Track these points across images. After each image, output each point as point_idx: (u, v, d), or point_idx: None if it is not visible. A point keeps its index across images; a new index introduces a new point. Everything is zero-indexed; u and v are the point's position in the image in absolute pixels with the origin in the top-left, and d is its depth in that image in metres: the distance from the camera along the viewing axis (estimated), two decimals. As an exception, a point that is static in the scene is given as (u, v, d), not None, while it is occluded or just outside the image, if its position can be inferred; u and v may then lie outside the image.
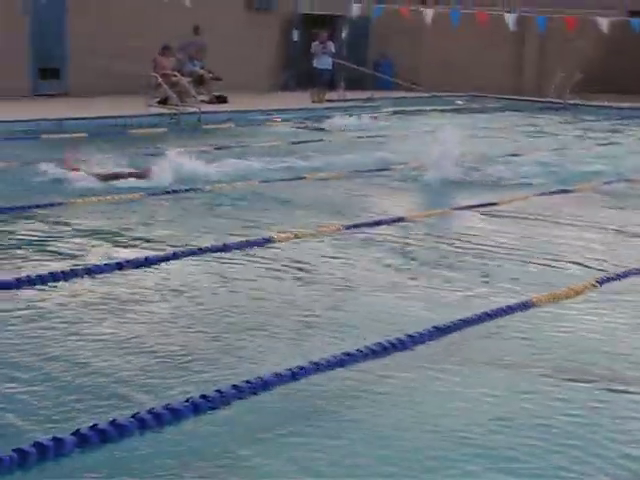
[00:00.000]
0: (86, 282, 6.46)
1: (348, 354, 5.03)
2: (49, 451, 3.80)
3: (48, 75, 21.40)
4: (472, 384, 4.82)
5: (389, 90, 25.73)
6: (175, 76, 19.46)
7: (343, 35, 24.65)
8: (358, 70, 24.59)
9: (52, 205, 9.16)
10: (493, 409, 4.51)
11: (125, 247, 7.62)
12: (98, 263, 6.85)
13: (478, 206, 9.83)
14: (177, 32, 21.89)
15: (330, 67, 23.26)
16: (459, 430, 4.24)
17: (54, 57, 21.38)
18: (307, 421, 4.32)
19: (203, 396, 4.37)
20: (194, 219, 8.94)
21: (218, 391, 4.42)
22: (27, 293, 6.16)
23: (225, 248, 7.57)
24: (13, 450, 3.75)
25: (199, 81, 21.09)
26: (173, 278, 6.69)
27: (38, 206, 9.06)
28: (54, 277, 6.44)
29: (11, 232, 8.13)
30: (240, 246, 7.65)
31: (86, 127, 15.64)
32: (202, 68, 21.56)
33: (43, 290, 6.23)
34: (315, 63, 23.06)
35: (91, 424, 4.03)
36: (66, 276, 6.50)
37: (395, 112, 21.59)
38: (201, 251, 7.44)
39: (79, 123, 16.08)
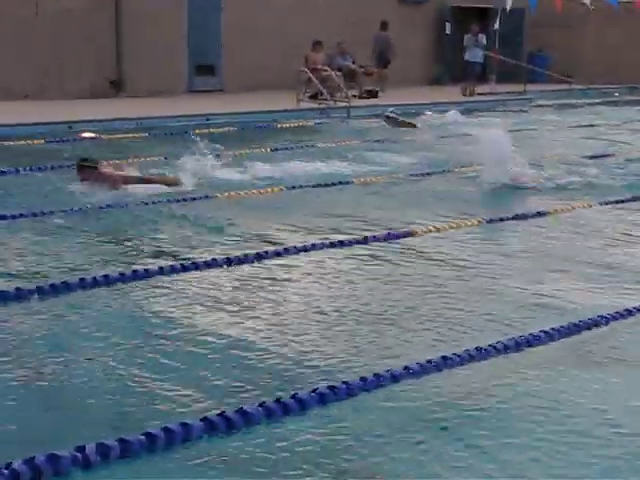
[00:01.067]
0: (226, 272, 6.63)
1: (478, 349, 4.95)
2: (176, 436, 3.89)
3: (203, 72, 21.95)
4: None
5: (544, 83, 25.20)
6: (325, 71, 19.61)
7: (496, 27, 24.25)
8: (511, 63, 24.18)
9: (206, 197, 9.44)
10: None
11: (274, 237, 7.75)
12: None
13: (625, 201, 9.51)
14: (330, 27, 22.07)
15: (481, 60, 22.97)
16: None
17: (209, 54, 21.90)
18: (442, 414, 4.27)
19: (330, 387, 4.38)
20: (338, 211, 8.98)
21: (345, 382, 4.43)
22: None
23: (366, 240, 7.61)
24: (142, 433, 3.86)
25: (350, 76, 21.20)
26: (314, 268, 6.76)
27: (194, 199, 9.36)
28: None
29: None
30: (381, 238, 7.68)
31: (236, 122, 15.99)
32: (354, 63, 21.67)
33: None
34: (466, 56, 22.81)
35: (218, 411, 4.11)
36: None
37: (548, 106, 21.13)
38: (341, 243, 7.49)
39: (230, 118, 16.46)
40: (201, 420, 4.01)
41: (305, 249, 7.26)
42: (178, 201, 9.19)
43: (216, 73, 22.18)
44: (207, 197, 9.43)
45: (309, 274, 6.65)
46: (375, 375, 4.55)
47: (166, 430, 3.88)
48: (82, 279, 6.15)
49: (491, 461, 3.81)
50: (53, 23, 19.38)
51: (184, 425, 3.94)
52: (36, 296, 5.87)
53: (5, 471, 3.51)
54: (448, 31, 25.37)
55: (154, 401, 4.38)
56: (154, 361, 4.87)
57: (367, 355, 4.98)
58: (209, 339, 5.20)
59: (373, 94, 21.42)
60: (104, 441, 3.76)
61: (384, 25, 22.56)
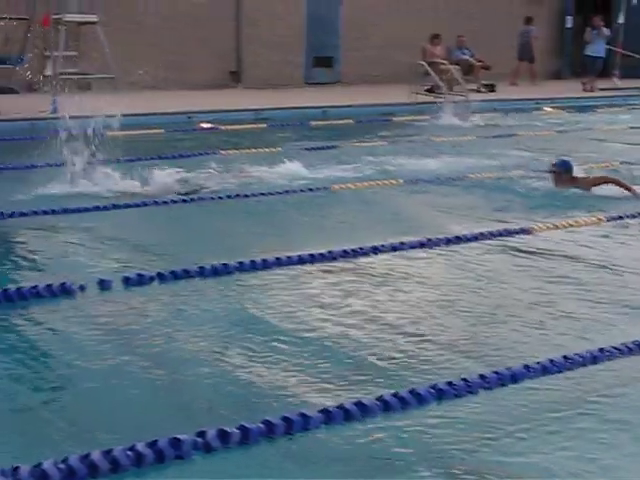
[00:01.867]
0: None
1: (602, 350, 4.84)
2: (295, 425, 3.93)
3: (321, 63, 22.06)
4: None
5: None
6: (443, 64, 19.46)
7: (620, 21, 23.63)
8: (635, 58, 23.54)
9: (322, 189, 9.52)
10: None
11: (396, 230, 7.74)
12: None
13: None
14: (449, 20, 21.91)
15: (603, 54, 22.39)
16: None
17: (327, 46, 21.99)
18: (556, 417, 4.20)
19: (449, 383, 4.35)
20: (452, 206, 8.90)
21: (464, 379, 4.39)
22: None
23: (480, 237, 7.52)
24: (262, 422, 3.90)
25: (468, 69, 20.98)
26: (424, 266, 6.72)
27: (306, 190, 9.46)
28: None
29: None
30: (496, 235, 7.58)
31: (352, 115, 16.04)
32: (472, 56, 21.44)
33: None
34: (587, 50, 22.28)
35: (337, 403, 4.12)
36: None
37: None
38: (458, 239, 7.42)
39: (346, 111, 16.54)
40: (319, 412, 4.03)
41: (422, 244, 7.21)
42: (295, 192, 9.27)
43: (334, 65, 22.27)
44: (324, 189, 9.47)
45: (431, 268, 6.66)
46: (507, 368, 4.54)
47: (285, 419, 3.92)
48: (201, 267, 6.25)
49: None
50: (176, 16, 19.74)
51: (303, 415, 3.97)
52: (156, 282, 6.00)
53: (130, 453, 3.60)
54: (569, 25, 24.86)
55: (270, 391, 4.42)
56: (270, 351, 4.91)
57: (461, 359, 4.90)
58: (321, 332, 5.20)
59: (491, 88, 21.15)
60: (224, 427, 3.81)
61: (529, 20, 22.39)
